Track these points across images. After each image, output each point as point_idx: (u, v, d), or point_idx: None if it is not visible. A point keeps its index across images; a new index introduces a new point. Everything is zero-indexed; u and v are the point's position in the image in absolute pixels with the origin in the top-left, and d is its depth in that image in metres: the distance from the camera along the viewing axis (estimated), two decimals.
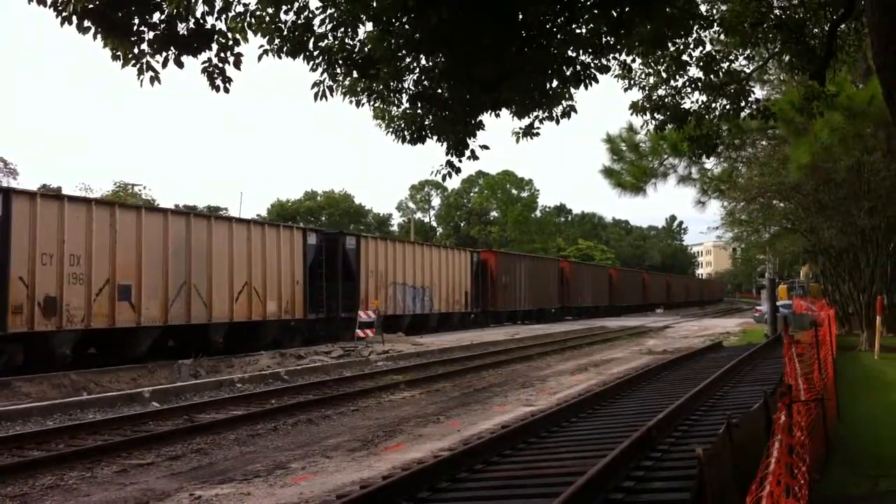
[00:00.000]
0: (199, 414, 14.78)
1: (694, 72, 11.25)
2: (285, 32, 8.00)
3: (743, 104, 11.41)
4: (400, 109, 9.23)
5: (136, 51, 7.13)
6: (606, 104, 46.47)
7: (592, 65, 8.55)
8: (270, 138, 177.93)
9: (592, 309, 66.97)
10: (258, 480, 9.81)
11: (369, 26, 8.12)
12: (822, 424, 8.80)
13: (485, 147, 9.13)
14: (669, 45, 10.11)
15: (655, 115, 11.56)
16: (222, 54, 7.56)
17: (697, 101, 11.65)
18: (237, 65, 7.62)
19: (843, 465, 8.88)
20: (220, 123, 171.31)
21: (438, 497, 8.03)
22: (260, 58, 7.92)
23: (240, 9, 7.67)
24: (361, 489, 8.21)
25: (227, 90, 7.69)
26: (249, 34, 7.75)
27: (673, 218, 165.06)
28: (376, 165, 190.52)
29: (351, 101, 8.94)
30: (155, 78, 7.25)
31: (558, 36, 8.16)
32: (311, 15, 7.98)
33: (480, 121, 9.05)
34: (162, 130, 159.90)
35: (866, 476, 8.43)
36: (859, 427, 11.38)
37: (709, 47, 11.16)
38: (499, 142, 9.48)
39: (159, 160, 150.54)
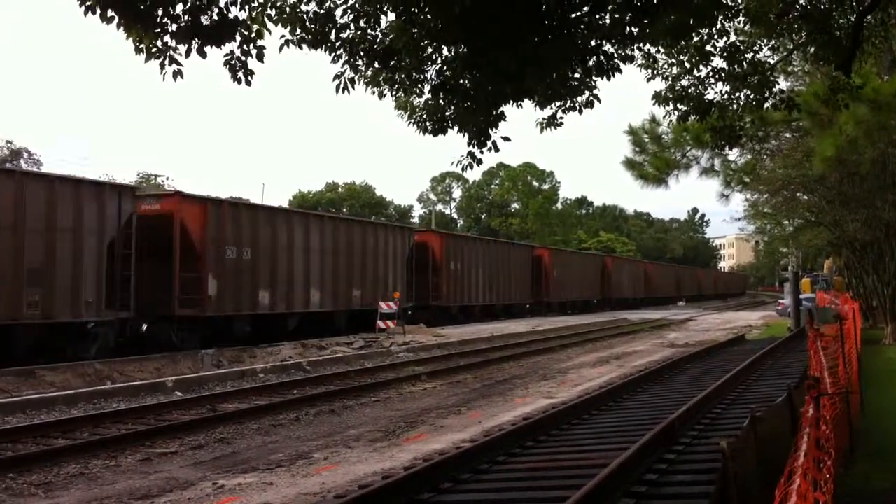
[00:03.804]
0: (221, 403, 14.86)
1: (718, 62, 11.18)
2: (307, 23, 7.98)
3: (767, 95, 11.31)
4: (422, 100, 9.19)
5: (159, 43, 7.13)
6: (629, 95, 46.24)
7: (616, 55, 8.49)
8: (292, 128, 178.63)
9: (631, 300, 71.06)
10: (281, 470, 9.85)
11: (391, 16, 8.10)
12: (847, 418, 8.74)
13: (506, 139, 9.08)
14: (693, 35, 10.03)
15: (678, 105, 11.48)
16: (245, 46, 7.54)
17: (721, 92, 11.57)
18: (260, 57, 7.60)
19: (867, 459, 8.82)
20: (243, 114, 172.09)
21: (460, 488, 8.04)
22: (281, 48, 7.90)
23: None
24: (384, 479, 8.22)
25: (248, 83, 7.67)
26: (271, 25, 7.74)
27: (695, 210, 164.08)
28: (397, 157, 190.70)
29: (373, 92, 8.92)
30: (178, 73, 7.24)
31: (581, 25, 8.10)
32: (332, 5, 7.96)
33: (502, 111, 8.99)
34: (184, 121, 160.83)
35: (890, 470, 8.36)
36: (883, 421, 11.29)
37: (733, 37, 11.08)
38: (520, 133, 9.44)
39: (182, 151, 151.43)
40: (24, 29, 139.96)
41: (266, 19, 7.67)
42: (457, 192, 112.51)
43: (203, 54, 7.17)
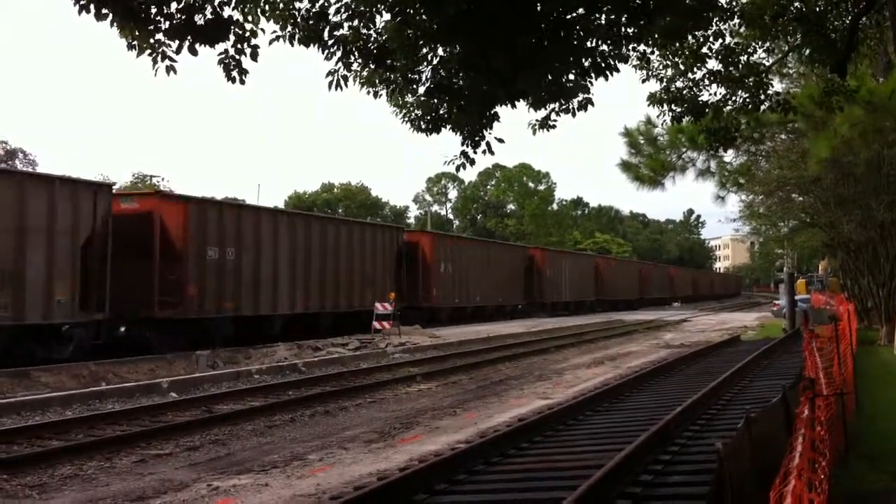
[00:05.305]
0: (217, 405, 14.82)
1: (713, 64, 11.19)
2: (299, 20, 7.96)
3: (762, 97, 11.32)
4: (415, 98, 9.17)
5: (151, 41, 7.11)
6: (624, 97, 46.37)
7: (611, 55, 8.47)
8: (287, 129, 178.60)
9: (574, 305, 59.87)
10: (276, 471, 9.83)
11: (386, 16, 8.08)
12: (842, 419, 8.74)
13: (500, 140, 9.05)
14: (689, 36, 10.04)
15: (673, 106, 11.49)
16: (239, 46, 7.54)
17: (716, 94, 11.59)
18: (254, 56, 7.59)
19: (862, 460, 8.81)
20: (237, 115, 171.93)
21: (455, 489, 8.02)
22: (271, 43, 7.86)
23: None
24: (379, 481, 8.21)
25: (242, 82, 7.65)
26: (263, 21, 7.71)
27: (690, 212, 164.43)
28: (394, 158, 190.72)
29: (368, 92, 8.91)
30: (171, 68, 7.21)
31: (576, 27, 8.10)
32: (326, 3, 7.95)
33: (496, 112, 8.97)
34: (178, 121, 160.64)
35: (885, 471, 8.36)
36: (878, 422, 11.29)
37: (728, 40, 11.09)
38: (516, 134, 9.44)
39: (176, 151, 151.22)
40: (16, 29, 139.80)
41: (260, 14, 7.66)
42: (452, 193, 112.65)
43: (194, 52, 7.15)
